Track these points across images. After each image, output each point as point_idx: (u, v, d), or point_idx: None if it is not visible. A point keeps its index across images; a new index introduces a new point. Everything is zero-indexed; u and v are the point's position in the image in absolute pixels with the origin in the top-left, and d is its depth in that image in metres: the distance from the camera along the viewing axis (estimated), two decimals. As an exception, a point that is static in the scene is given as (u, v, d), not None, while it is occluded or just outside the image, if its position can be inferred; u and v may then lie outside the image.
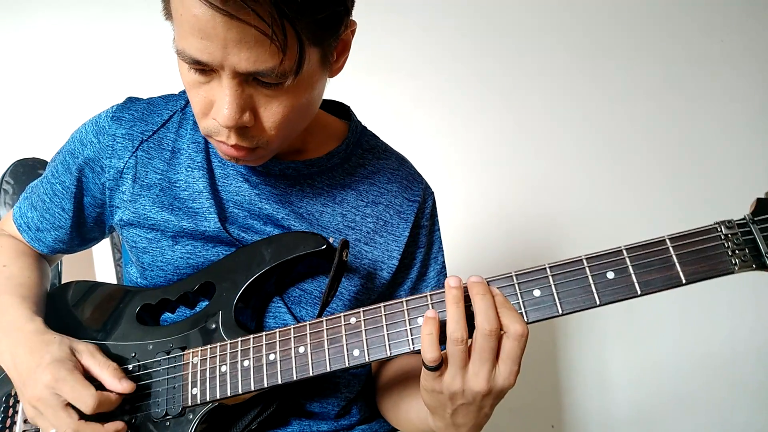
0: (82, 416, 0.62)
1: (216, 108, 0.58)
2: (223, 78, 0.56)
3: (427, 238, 0.80)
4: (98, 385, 0.63)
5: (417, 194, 0.80)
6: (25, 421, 0.71)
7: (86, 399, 0.61)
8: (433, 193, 0.83)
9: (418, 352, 0.56)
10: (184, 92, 0.80)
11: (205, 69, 0.56)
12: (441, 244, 0.83)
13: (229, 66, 0.54)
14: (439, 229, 0.83)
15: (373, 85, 1.56)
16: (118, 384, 0.64)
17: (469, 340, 0.54)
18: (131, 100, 0.78)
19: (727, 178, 1.63)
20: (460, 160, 1.61)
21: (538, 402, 1.59)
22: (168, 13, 0.57)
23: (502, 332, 0.53)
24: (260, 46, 0.52)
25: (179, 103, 0.78)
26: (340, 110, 0.83)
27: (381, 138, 0.85)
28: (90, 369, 0.65)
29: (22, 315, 0.69)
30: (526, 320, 0.53)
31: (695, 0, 1.69)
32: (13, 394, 0.73)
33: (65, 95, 1.46)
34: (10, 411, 0.73)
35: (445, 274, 0.83)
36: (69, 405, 0.62)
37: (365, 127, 0.83)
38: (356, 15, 0.64)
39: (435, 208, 0.83)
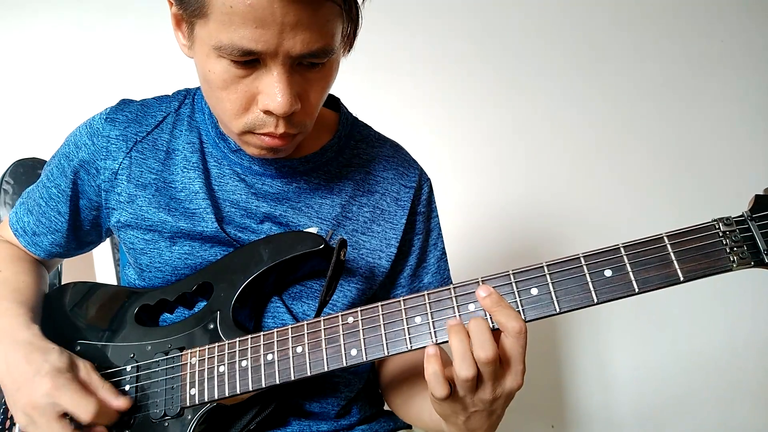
0: (76, 429, 0.62)
1: (266, 97, 0.58)
2: (274, 66, 0.57)
3: (425, 224, 0.80)
4: None
5: (413, 180, 0.79)
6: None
7: (87, 406, 0.61)
8: (429, 179, 0.83)
9: (416, 350, 0.56)
10: (177, 93, 0.80)
11: (250, 61, 0.57)
12: (440, 230, 0.82)
13: (283, 51, 0.55)
14: (437, 216, 0.83)
15: (372, 84, 1.56)
16: (114, 400, 0.64)
17: None
18: (125, 102, 0.78)
19: (725, 177, 1.63)
20: (458, 159, 1.61)
21: (538, 402, 1.58)
22: (201, 12, 0.56)
23: (499, 330, 0.53)
24: (314, 26, 0.54)
25: (173, 105, 0.78)
26: (328, 101, 0.82)
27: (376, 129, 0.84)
28: (87, 384, 0.64)
29: (19, 322, 0.68)
30: (523, 318, 0.53)
31: (695, 0, 1.69)
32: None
33: (65, 96, 1.47)
34: (9, 413, 0.72)
35: (446, 260, 0.82)
36: (63, 416, 0.61)
37: (356, 118, 0.83)
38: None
39: (432, 194, 0.83)
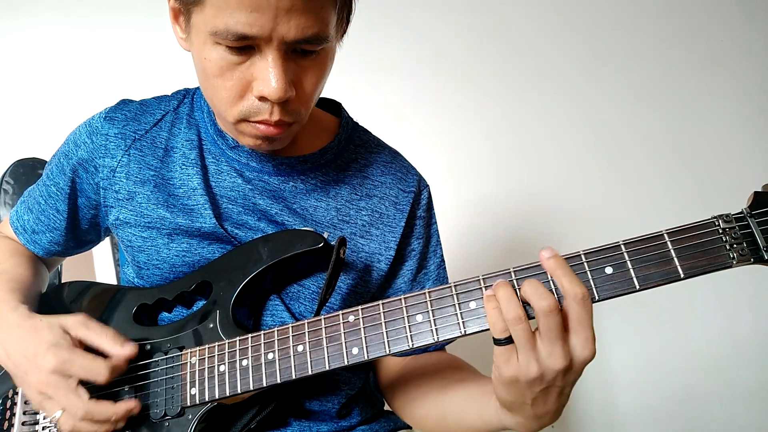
0: (92, 396, 0.61)
1: (261, 83, 0.59)
2: (268, 52, 0.57)
3: (425, 230, 0.80)
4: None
5: (412, 185, 0.80)
6: (23, 423, 0.71)
7: (100, 370, 0.61)
8: (428, 185, 0.83)
9: (416, 349, 0.56)
10: (176, 93, 0.81)
11: (245, 48, 0.57)
12: (439, 238, 0.83)
13: (277, 37, 0.56)
14: (436, 223, 0.83)
15: (370, 84, 1.56)
16: (120, 349, 0.63)
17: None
18: (124, 102, 0.78)
19: (725, 175, 1.63)
20: (459, 160, 1.61)
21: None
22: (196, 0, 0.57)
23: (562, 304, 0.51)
24: (309, 12, 0.55)
25: (172, 104, 0.79)
26: (330, 106, 0.83)
27: (375, 135, 0.84)
28: (87, 340, 0.64)
29: (7, 306, 0.68)
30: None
31: (695, 0, 1.69)
32: (10, 396, 0.73)
33: (65, 96, 1.47)
34: (8, 414, 0.72)
35: (445, 267, 0.82)
36: (78, 386, 0.61)
37: (356, 123, 0.83)
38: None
39: (431, 200, 0.83)
